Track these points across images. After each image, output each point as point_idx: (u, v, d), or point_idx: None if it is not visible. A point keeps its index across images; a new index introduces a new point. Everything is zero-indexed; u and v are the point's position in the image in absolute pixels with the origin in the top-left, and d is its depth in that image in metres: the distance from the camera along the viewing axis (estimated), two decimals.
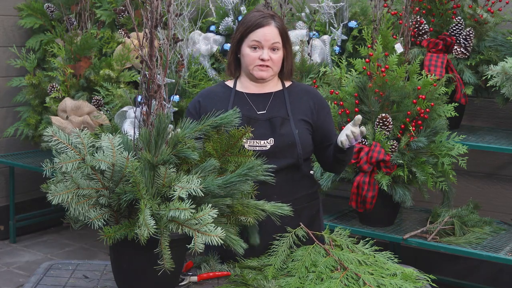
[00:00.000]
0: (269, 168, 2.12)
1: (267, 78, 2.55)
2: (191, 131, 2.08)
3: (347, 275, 2.17)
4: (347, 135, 2.42)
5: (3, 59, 5.24)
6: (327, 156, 2.61)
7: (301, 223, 2.46)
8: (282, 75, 2.62)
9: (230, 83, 2.63)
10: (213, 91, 2.64)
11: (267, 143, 2.49)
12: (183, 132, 2.06)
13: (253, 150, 2.40)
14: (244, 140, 2.43)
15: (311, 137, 2.58)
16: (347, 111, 3.40)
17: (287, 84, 2.63)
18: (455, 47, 3.75)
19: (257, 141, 2.49)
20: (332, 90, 3.45)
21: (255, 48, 2.52)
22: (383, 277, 2.16)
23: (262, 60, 2.51)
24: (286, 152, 2.50)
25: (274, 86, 2.61)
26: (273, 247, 2.38)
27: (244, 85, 2.60)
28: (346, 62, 3.69)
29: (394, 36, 3.51)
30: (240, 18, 4.32)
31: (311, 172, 2.63)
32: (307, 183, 2.60)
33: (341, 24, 4.03)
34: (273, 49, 2.52)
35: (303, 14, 4.22)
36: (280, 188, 2.44)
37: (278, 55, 2.53)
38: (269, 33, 2.51)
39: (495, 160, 4.18)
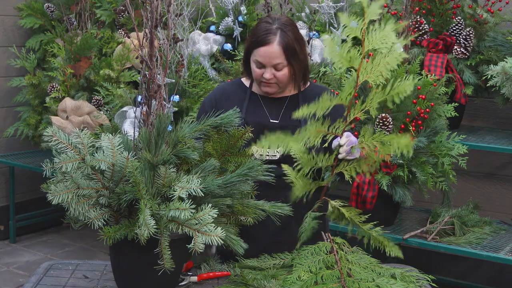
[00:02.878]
0: (270, 168, 2.11)
1: (274, 93, 2.52)
2: (191, 131, 2.08)
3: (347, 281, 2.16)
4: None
5: (3, 59, 5.24)
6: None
7: (322, 232, 2.39)
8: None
9: (246, 81, 2.60)
10: (229, 90, 2.60)
11: (276, 152, 2.47)
12: (183, 131, 2.06)
13: (263, 160, 2.41)
14: (254, 149, 2.41)
15: (321, 141, 2.55)
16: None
17: (303, 87, 2.59)
18: (455, 47, 3.75)
19: (268, 149, 2.46)
20: (332, 90, 3.45)
21: (259, 66, 2.46)
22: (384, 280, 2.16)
23: (265, 78, 2.46)
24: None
25: (289, 90, 2.57)
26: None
27: (258, 89, 2.57)
28: None
29: None
30: (240, 18, 4.33)
31: (321, 175, 2.62)
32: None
33: (341, 24, 4.03)
34: (277, 67, 2.44)
35: (303, 14, 4.22)
36: (287, 192, 2.43)
37: (283, 73, 2.45)
38: (270, 54, 2.42)
39: (495, 160, 4.18)
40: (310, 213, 2.17)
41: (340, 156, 2.20)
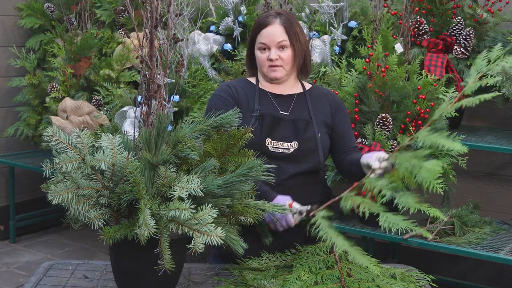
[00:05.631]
0: (270, 168, 2.11)
1: (281, 78, 2.52)
2: (191, 131, 2.08)
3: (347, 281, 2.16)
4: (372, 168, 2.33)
5: (3, 59, 5.24)
6: (343, 162, 2.57)
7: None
8: (299, 74, 2.59)
9: (252, 79, 2.60)
10: (237, 84, 2.59)
11: (290, 146, 2.47)
12: (183, 131, 2.06)
13: (276, 152, 2.42)
14: (269, 141, 2.44)
15: (329, 141, 2.57)
16: (347, 111, 3.40)
17: (307, 87, 2.60)
18: (455, 47, 3.75)
19: (281, 143, 2.46)
20: (332, 90, 3.45)
21: (263, 49, 2.49)
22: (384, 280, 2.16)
23: (271, 60, 2.48)
24: (308, 156, 2.48)
25: (294, 88, 2.58)
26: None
27: (265, 85, 2.57)
28: (346, 62, 3.69)
29: (394, 36, 3.51)
30: (240, 18, 4.33)
31: (325, 177, 2.62)
32: (322, 188, 2.58)
33: (341, 24, 4.03)
34: (281, 47, 2.47)
35: (303, 14, 4.22)
36: (296, 192, 2.43)
37: (288, 54, 2.48)
38: (273, 32, 2.47)
39: (495, 160, 4.18)
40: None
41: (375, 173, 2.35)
